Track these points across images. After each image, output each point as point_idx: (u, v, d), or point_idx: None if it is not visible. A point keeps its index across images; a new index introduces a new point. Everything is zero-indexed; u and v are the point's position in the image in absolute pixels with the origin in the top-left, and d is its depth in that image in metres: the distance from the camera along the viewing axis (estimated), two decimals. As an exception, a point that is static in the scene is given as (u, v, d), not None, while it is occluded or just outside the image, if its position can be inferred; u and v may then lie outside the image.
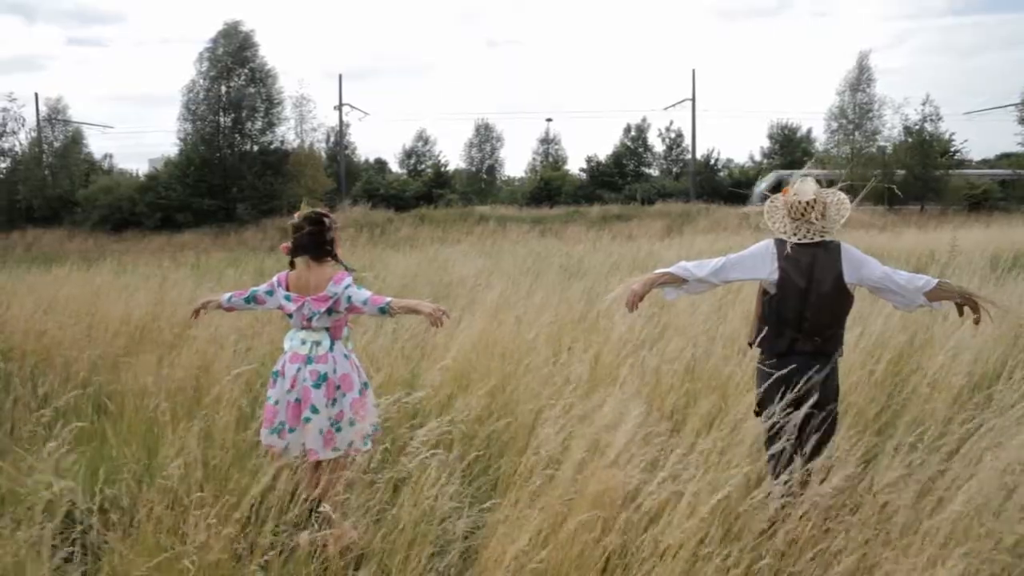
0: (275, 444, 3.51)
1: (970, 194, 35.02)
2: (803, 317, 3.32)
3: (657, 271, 3.49)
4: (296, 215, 3.62)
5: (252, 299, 3.71)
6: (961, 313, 3.45)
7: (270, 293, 3.65)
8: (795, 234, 3.37)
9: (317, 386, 3.46)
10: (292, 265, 3.63)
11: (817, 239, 3.36)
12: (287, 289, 3.61)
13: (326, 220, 3.60)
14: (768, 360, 3.37)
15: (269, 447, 3.55)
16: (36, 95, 37.49)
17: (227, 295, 3.79)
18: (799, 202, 3.36)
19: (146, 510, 3.05)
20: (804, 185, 3.41)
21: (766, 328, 3.42)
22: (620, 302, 3.49)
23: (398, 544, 2.91)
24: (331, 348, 3.54)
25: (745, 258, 3.41)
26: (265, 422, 3.57)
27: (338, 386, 3.50)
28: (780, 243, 3.40)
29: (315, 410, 3.45)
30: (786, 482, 2.91)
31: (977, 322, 3.41)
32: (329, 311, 3.52)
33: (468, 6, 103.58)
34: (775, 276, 3.34)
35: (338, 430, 3.49)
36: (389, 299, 3.48)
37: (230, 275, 12.66)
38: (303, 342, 3.54)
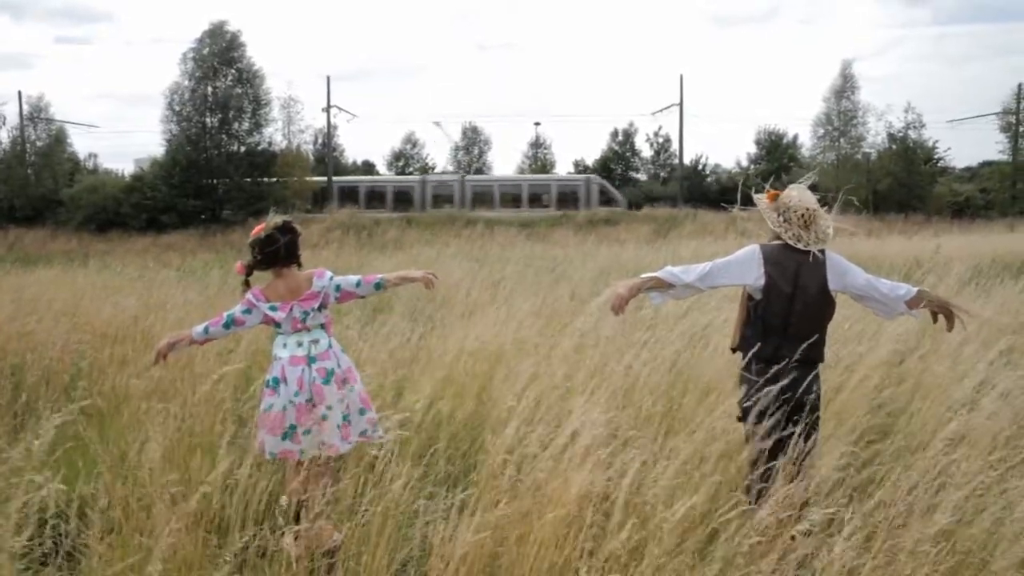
0: (290, 449, 3.49)
1: (953, 201, 35.47)
2: (788, 323, 3.35)
3: (644, 276, 3.47)
4: (259, 230, 3.60)
5: (232, 323, 3.58)
6: (935, 320, 3.54)
7: (248, 311, 3.56)
8: (801, 240, 3.37)
9: (327, 382, 3.50)
10: (247, 284, 3.62)
11: (821, 246, 3.40)
12: (267, 301, 3.57)
13: (297, 227, 3.67)
14: (752, 366, 3.38)
15: (284, 455, 3.52)
16: (19, 93, 37.21)
17: (200, 327, 3.62)
18: (807, 209, 3.39)
19: (122, 509, 3.03)
20: (805, 193, 3.46)
21: (750, 334, 3.44)
22: (606, 306, 3.50)
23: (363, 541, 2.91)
24: (329, 344, 3.60)
25: (731, 264, 3.42)
26: (270, 431, 3.50)
27: (344, 379, 3.57)
28: (766, 248, 3.41)
29: (330, 406, 3.49)
30: (763, 488, 2.94)
31: (950, 328, 3.51)
32: (320, 307, 3.57)
33: (459, 9, 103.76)
34: (761, 282, 3.35)
35: (349, 422, 3.55)
36: (381, 275, 3.64)
37: (216, 276, 12.58)
38: (299, 344, 3.55)
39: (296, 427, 3.47)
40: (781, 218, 3.42)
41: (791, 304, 3.34)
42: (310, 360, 3.51)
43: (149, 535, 2.92)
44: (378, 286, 3.63)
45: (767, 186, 3.57)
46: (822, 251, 3.39)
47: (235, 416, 4.13)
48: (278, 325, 3.57)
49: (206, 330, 3.59)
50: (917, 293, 3.44)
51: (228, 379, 4.82)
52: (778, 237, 3.44)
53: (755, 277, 3.36)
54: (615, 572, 2.64)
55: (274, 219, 3.62)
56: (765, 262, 3.36)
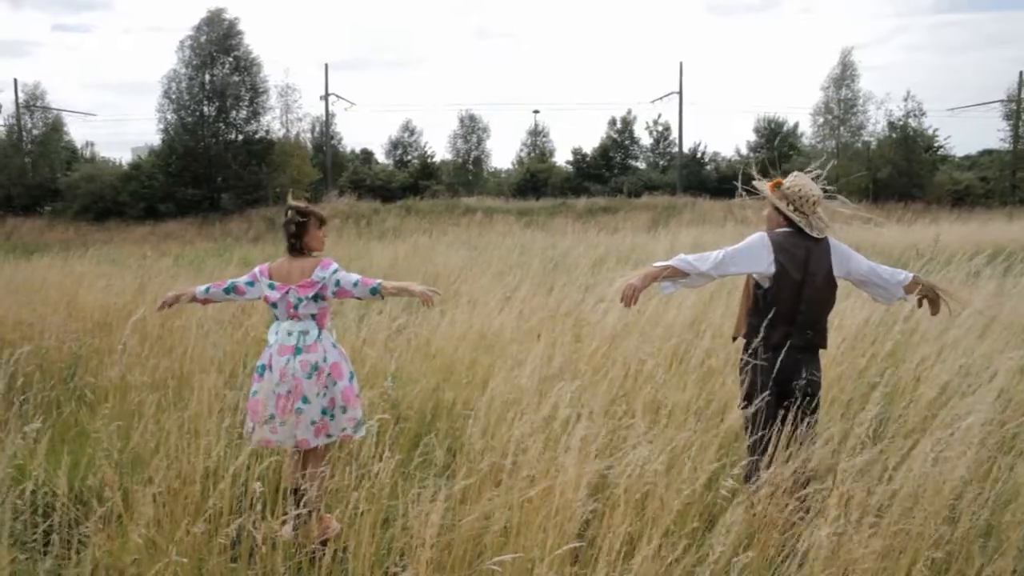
0: (268, 438, 3.50)
1: (952, 190, 35.39)
2: (797, 311, 3.34)
3: (657, 264, 3.42)
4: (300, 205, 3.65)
5: (232, 290, 3.67)
6: (920, 305, 3.63)
7: (251, 284, 3.64)
8: (814, 228, 3.39)
9: (309, 376, 3.47)
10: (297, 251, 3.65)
11: (826, 233, 3.42)
12: (270, 278, 3.60)
13: (312, 216, 3.66)
14: (758, 354, 3.35)
15: (261, 442, 3.52)
16: (15, 80, 36.92)
17: (203, 287, 3.74)
18: (817, 196, 3.39)
19: (122, 500, 3.02)
20: (808, 180, 3.45)
21: (757, 322, 3.39)
22: (619, 297, 3.43)
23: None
24: (319, 337, 3.56)
25: (742, 251, 3.39)
26: (252, 417, 3.54)
27: (329, 374, 3.53)
28: (773, 235, 3.39)
29: (306, 400, 3.46)
30: (763, 474, 2.94)
31: (934, 313, 3.62)
32: (315, 297, 3.54)
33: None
34: (772, 269, 3.34)
35: (331, 418, 3.52)
36: (380, 280, 3.55)
37: (214, 265, 12.57)
38: (289, 333, 3.54)
39: (274, 416, 3.47)
40: (791, 207, 3.39)
41: (800, 291, 3.34)
42: (297, 351, 3.50)
43: (148, 526, 2.91)
44: (374, 291, 3.50)
45: (758, 176, 3.55)
46: (823, 237, 3.40)
47: (231, 404, 4.12)
48: (274, 306, 3.58)
49: (207, 290, 3.72)
50: (912, 278, 3.52)
51: (224, 367, 4.83)
52: (784, 224, 3.42)
53: (766, 264, 3.35)
54: (609, 559, 2.64)
55: (290, 200, 3.66)
56: (775, 250, 3.34)
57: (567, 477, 2.86)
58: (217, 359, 5.12)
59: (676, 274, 3.40)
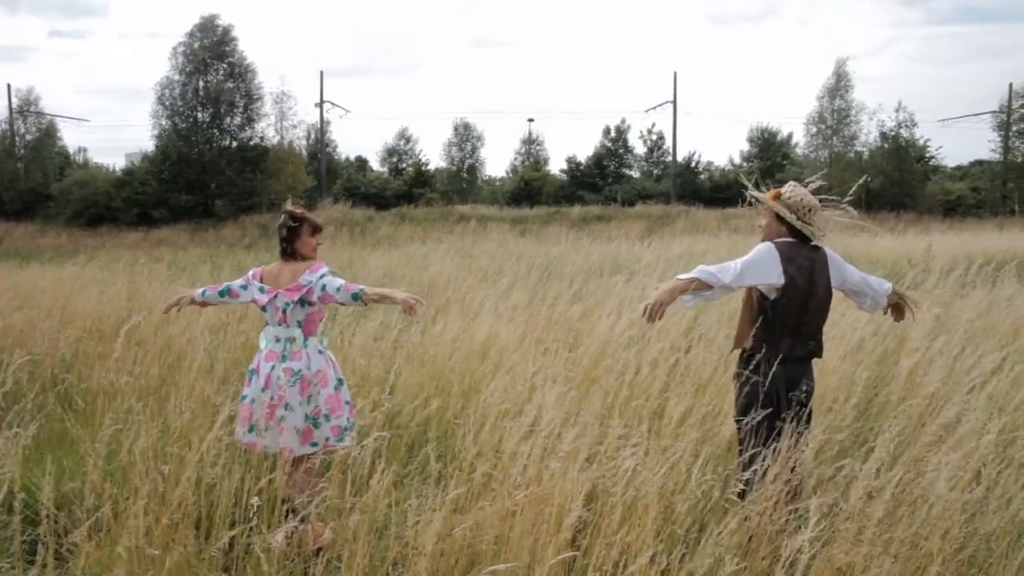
0: (254, 442, 3.53)
1: (944, 200, 35.64)
2: (803, 321, 3.34)
3: (682, 277, 3.33)
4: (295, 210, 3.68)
5: (226, 292, 3.72)
6: (886, 312, 3.73)
7: (244, 287, 3.68)
8: (816, 237, 3.42)
9: (292, 384, 3.46)
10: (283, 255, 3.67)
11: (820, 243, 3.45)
12: (261, 282, 3.62)
13: (306, 222, 3.66)
14: (761, 366, 3.30)
15: (249, 445, 3.55)
16: (8, 86, 36.82)
17: (200, 290, 3.80)
18: (815, 204, 3.41)
19: (110, 508, 2.99)
20: (805, 190, 3.45)
21: (761, 332, 3.36)
22: (642, 312, 3.29)
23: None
24: (305, 344, 3.55)
25: (753, 263, 3.34)
26: (241, 421, 3.57)
27: (313, 382, 3.51)
28: (779, 246, 3.37)
29: (289, 407, 3.45)
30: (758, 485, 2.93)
31: (898, 319, 3.76)
32: (302, 302, 3.52)
33: (455, 6, 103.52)
34: (782, 280, 3.31)
35: (316, 426, 3.52)
36: (362, 286, 3.51)
37: (206, 272, 12.52)
38: (277, 340, 3.55)
39: (260, 421, 3.49)
40: (795, 216, 3.39)
41: (807, 302, 3.34)
42: (282, 358, 3.51)
43: (136, 535, 2.88)
44: (355, 297, 3.44)
45: (750, 186, 3.55)
46: (820, 248, 3.41)
47: (224, 413, 4.09)
48: (264, 310, 3.61)
49: (203, 293, 3.78)
50: (892, 288, 3.63)
51: (216, 374, 4.79)
52: (785, 234, 3.40)
53: (777, 276, 3.32)
54: (603, 570, 2.63)
55: (286, 205, 3.69)
56: (783, 260, 3.33)
57: (558, 486, 2.84)
58: (211, 365, 5.08)
59: (701, 287, 3.33)
